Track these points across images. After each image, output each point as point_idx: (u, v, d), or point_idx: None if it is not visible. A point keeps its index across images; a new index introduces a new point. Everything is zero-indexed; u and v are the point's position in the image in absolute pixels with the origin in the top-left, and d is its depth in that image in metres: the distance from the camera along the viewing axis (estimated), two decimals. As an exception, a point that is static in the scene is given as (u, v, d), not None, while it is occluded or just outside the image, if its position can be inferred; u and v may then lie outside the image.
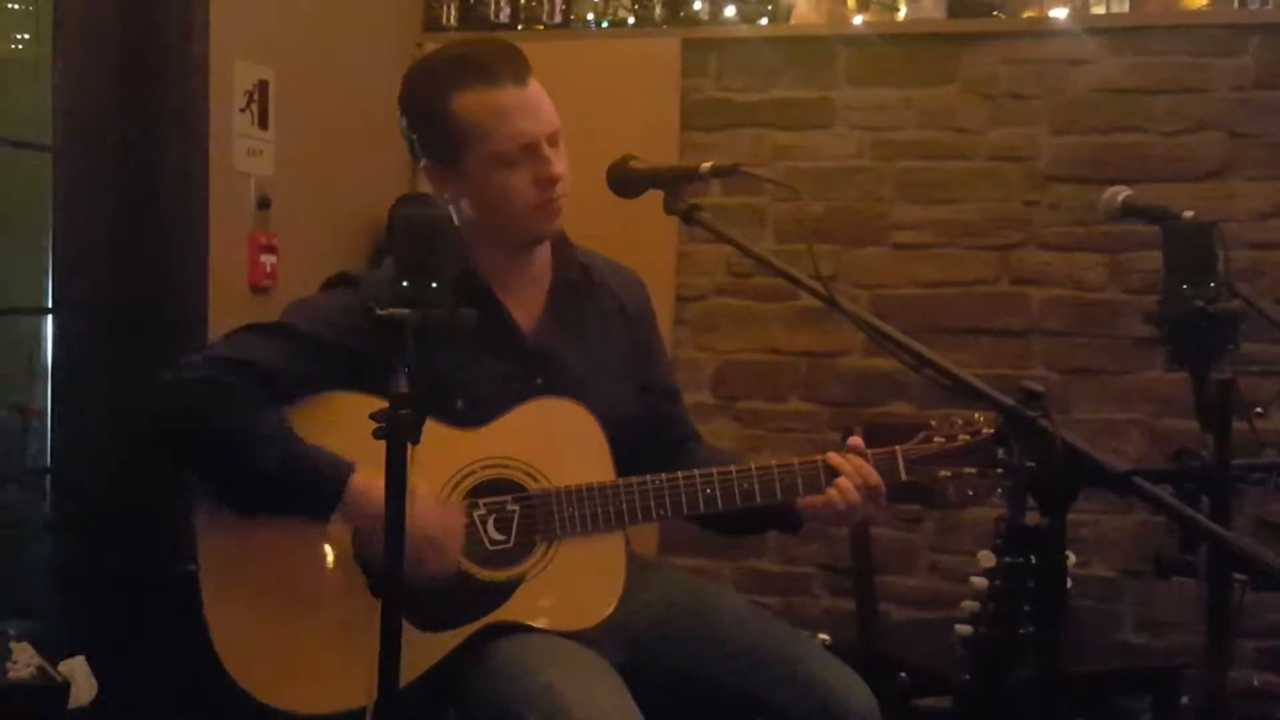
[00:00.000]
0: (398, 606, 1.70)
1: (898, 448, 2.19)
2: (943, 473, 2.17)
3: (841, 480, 2.15)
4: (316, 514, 2.04)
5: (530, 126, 2.13)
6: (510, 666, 2.03)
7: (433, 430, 2.04)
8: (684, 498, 2.15)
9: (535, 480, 2.15)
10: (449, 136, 2.15)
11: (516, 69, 2.15)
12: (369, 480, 1.94)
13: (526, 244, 2.24)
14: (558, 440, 2.17)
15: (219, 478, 2.10)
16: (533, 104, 2.15)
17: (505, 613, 2.11)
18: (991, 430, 2.14)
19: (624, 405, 2.26)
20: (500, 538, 2.13)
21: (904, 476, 2.18)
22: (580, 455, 2.17)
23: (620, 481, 2.16)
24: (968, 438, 2.18)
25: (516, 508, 2.13)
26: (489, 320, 2.18)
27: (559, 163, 2.17)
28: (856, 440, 2.20)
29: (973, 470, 2.17)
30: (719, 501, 2.16)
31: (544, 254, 2.29)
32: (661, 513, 2.16)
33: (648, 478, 2.15)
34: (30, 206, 3.04)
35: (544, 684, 1.97)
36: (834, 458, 2.18)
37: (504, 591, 2.12)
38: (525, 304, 2.26)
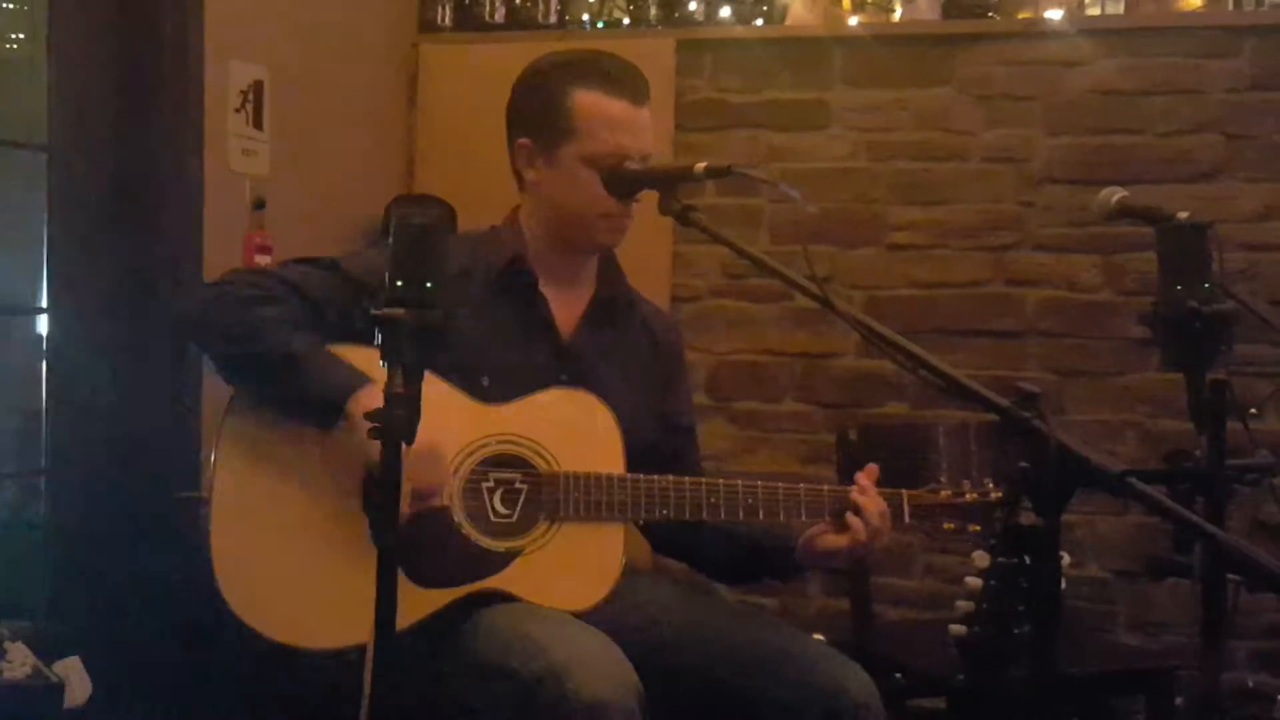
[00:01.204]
0: (392, 588, 1.70)
1: (904, 491, 2.25)
2: (947, 524, 2.25)
3: (866, 511, 2.19)
4: (331, 403, 2.08)
5: (630, 143, 2.23)
6: (496, 626, 2.10)
7: (455, 398, 2.16)
8: (688, 501, 2.20)
9: (546, 462, 2.20)
10: (557, 123, 2.26)
11: (638, 91, 2.28)
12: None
13: (583, 249, 2.34)
14: (574, 428, 2.23)
15: (246, 356, 2.16)
16: (640, 125, 2.27)
17: (499, 581, 2.16)
18: (999, 495, 2.20)
19: (639, 428, 2.29)
20: (505, 511, 2.19)
21: (908, 520, 2.24)
22: (594, 446, 2.22)
23: (629, 476, 2.20)
24: (975, 496, 2.24)
25: (524, 485, 2.19)
26: (528, 310, 2.30)
27: None
28: (873, 468, 2.25)
29: (977, 528, 2.23)
30: (722, 510, 2.21)
31: (592, 266, 2.39)
32: (664, 512, 2.20)
33: (655, 477, 2.21)
34: (25, 206, 3.04)
35: (525, 635, 2.03)
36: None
37: (500, 561, 2.17)
38: (566, 306, 2.35)
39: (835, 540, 2.22)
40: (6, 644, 2.59)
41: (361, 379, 2.08)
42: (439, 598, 2.14)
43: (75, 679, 2.67)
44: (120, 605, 2.91)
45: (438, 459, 2.08)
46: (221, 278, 2.26)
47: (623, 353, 2.39)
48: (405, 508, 1.97)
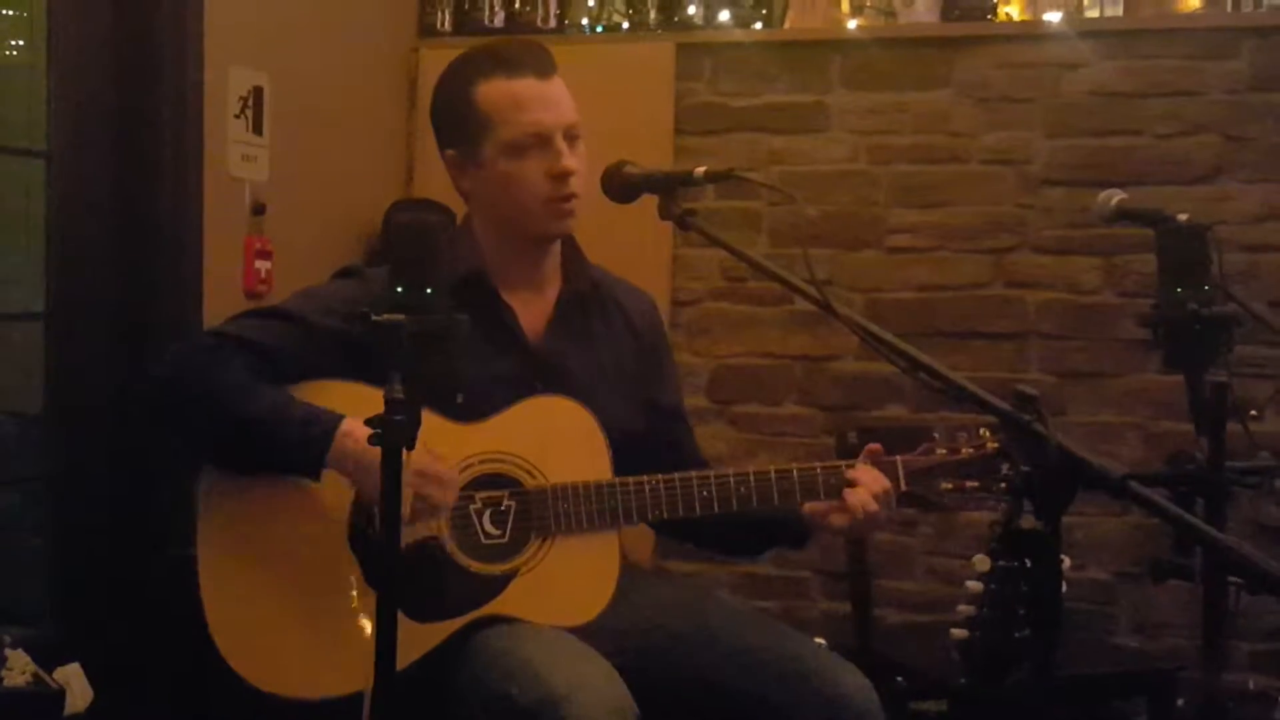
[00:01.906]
0: (394, 598, 1.72)
1: (899, 457, 2.20)
2: (944, 485, 2.19)
3: (860, 489, 2.15)
4: (310, 457, 2.05)
5: (545, 117, 2.19)
6: (494, 650, 2.06)
7: (432, 422, 2.06)
8: (680, 499, 2.17)
9: (532, 476, 2.16)
10: (470, 124, 2.22)
11: (540, 63, 2.22)
12: (360, 426, 1.91)
13: (536, 242, 2.28)
14: (556, 437, 2.19)
15: (214, 433, 2.12)
16: (551, 97, 2.21)
17: (497, 606, 2.13)
18: (995, 445, 2.15)
19: (625, 421, 2.27)
20: (495, 532, 2.15)
21: (904, 486, 2.19)
22: (578, 453, 2.18)
23: (617, 481, 2.17)
24: (971, 451, 2.18)
25: (512, 503, 2.15)
26: (493, 321, 2.23)
27: (572, 158, 2.21)
28: (874, 446, 2.20)
29: (975, 484, 2.18)
30: (715, 504, 2.17)
31: (554, 261, 2.33)
32: (657, 513, 2.17)
33: (645, 478, 2.17)
34: (24, 212, 3.04)
35: (524, 659, 2.00)
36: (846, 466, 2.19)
37: (497, 585, 2.14)
38: (532, 309, 2.30)
39: (837, 520, 2.18)
40: (7, 651, 2.58)
41: (333, 421, 2.05)
42: (438, 632, 2.10)
43: (76, 686, 2.66)
44: (121, 611, 2.90)
45: (437, 484, 2.06)
46: (172, 352, 2.21)
47: (599, 347, 2.34)
48: (407, 512, 1.95)
